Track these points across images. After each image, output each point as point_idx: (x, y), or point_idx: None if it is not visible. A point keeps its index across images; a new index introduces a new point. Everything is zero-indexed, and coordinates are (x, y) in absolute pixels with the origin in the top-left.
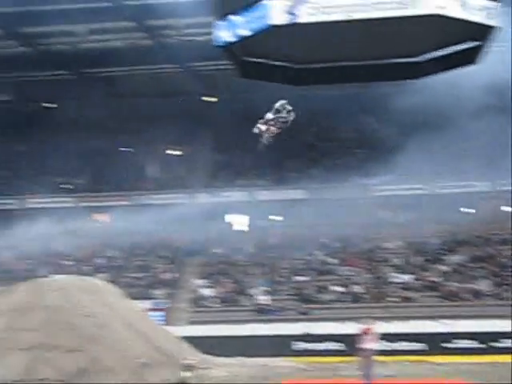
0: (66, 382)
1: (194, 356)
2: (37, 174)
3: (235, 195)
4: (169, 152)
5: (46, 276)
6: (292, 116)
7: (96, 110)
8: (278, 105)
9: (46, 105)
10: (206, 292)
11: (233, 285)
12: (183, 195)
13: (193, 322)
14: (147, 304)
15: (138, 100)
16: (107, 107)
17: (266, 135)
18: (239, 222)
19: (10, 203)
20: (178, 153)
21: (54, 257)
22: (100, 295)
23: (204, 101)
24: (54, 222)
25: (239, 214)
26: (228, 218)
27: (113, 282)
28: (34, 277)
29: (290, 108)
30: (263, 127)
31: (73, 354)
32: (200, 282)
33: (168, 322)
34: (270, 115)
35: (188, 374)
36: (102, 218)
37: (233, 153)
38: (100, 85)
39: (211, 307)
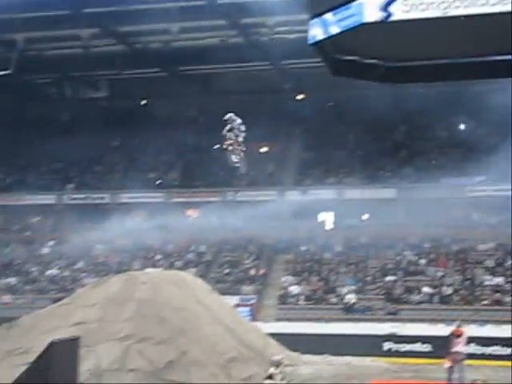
0: (155, 372)
1: (281, 352)
2: (130, 169)
3: (324, 193)
4: (259, 149)
5: (137, 269)
6: (239, 123)
7: (189, 107)
8: (227, 117)
9: (140, 102)
10: (294, 289)
11: (321, 283)
12: (273, 192)
13: (280, 319)
14: (235, 299)
15: (229, 97)
16: (200, 104)
17: (236, 147)
18: (328, 219)
19: (104, 198)
20: (268, 150)
21: (145, 251)
22: (189, 289)
23: (294, 98)
24: (145, 217)
25: (328, 211)
26: (317, 215)
27: (202, 276)
28: (126, 270)
29: (236, 118)
30: (228, 142)
31: (162, 346)
32: (288, 279)
33: (255, 317)
34: (226, 130)
35: (275, 370)
36: (193, 214)
37: (322, 150)
38: (193, 82)
39: (298, 304)
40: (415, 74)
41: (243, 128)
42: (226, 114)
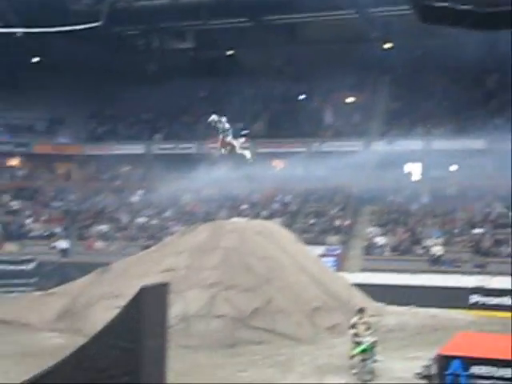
0: (241, 319)
1: (366, 303)
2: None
3: (411, 143)
4: (345, 99)
5: (224, 219)
6: (224, 121)
7: (275, 57)
8: (209, 119)
9: (227, 52)
10: (380, 240)
11: (407, 234)
12: (358, 143)
13: (365, 270)
14: (320, 250)
15: (316, 47)
16: (286, 54)
17: (227, 147)
18: (415, 170)
19: (191, 148)
20: (354, 100)
21: (231, 201)
22: (275, 239)
23: (382, 47)
24: (231, 167)
25: (415, 162)
26: (403, 166)
27: (287, 226)
28: (212, 219)
29: (219, 118)
30: (220, 143)
31: (248, 294)
32: (373, 229)
33: (340, 268)
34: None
35: (359, 320)
36: (278, 164)
37: (410, 100)
38: (279, 32)
39: (384, 255)
40: (508, 20)
41: (228, 126)
42: (313, 63)
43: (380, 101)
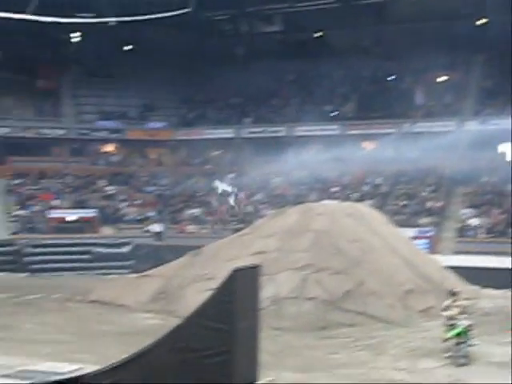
0: (333, 302)
1: (459, 286)
2: (305, 102)
3: (505, 123)
4: (437, 79)
5: (314, 201)
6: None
7: (364, 38)
8: (220, 192)
9: (315, 34)
10: (473, 222)
11: (502, 216)
12: (451, 123)
13: (458, 252)
14: (412, 232)
15: (405, 26)
16: (375, 34)
17: (240, 205)
18: (509, 151)
19: (280, 131)
20: (446, 79)
21: (321, 183)
22: (366, 221)
23: (474, 24)
24: (321, 150)
25: (509, 142)
26: (497, 146)
27: (378, 208)
28: (302, 202)
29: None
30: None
31: (339, 276)
32: (467, 211)
33: (432, 250)
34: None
35: (452, 302)
36: (369, 146)
37: (504, 79)
38: (368, 11)
39: (478, 238)
40: None
41: (230, 189)
42: (402, 43)
43: (473, 79)
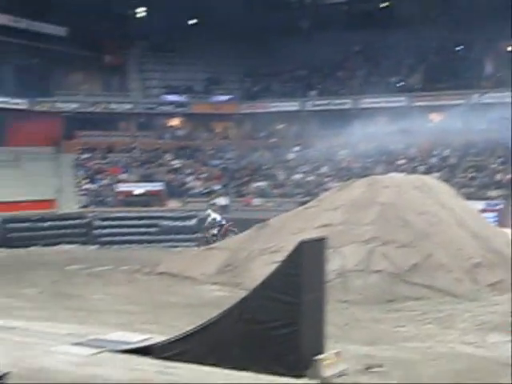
0: (399, 275)
1: None
2: (371, 73)
3: None
4: (508, 48)
5: (380, 174)
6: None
7: (431, 7)
8: (207, 223)
9: (380, 4)
10: None
11: None
12: None
13: None
14: (480, 204)
15: None
16: (442, 3)
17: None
18: None
19: (346, 103)
20: None
21: (387, 156)
22: (433, 194)
23: None
24: (387, 122)
25: None
26: None
27: (446, 181)
28: (368, 175)
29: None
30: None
31: (406, 249)
32: None
33: (501, 223)
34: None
35: None
36: (436, 118)
37: None
38: None
39: None
40: None
41: (218, 219)
42: (471, 12)
43: None
